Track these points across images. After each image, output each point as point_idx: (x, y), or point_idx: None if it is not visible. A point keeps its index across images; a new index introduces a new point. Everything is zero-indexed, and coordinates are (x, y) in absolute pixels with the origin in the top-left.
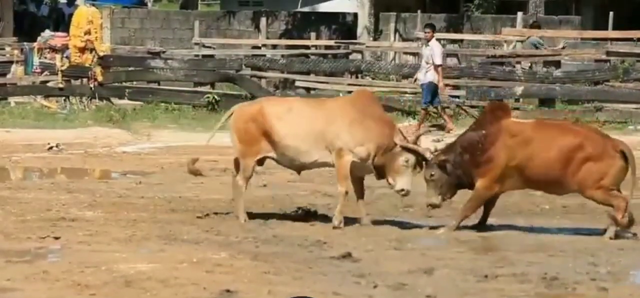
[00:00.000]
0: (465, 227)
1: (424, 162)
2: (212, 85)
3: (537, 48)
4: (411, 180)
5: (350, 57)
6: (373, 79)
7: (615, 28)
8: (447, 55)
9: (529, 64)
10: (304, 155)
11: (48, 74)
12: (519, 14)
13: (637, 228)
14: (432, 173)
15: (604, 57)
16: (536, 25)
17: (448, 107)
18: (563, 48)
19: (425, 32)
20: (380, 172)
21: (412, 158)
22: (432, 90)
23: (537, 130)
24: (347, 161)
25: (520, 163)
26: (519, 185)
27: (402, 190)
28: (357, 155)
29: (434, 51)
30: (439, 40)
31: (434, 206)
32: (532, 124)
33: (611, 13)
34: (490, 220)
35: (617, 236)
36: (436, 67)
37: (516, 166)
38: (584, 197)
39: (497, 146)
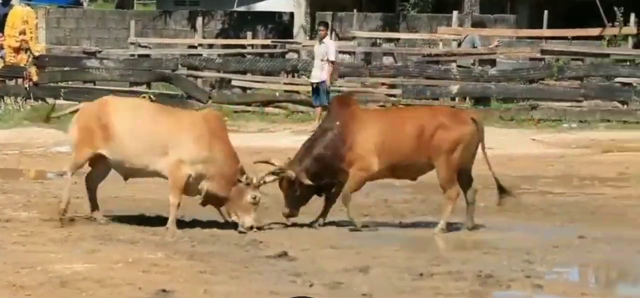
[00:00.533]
0: (403, 226)
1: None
2: (148, 85)
3: (475, 46)
4: (257, 216)
5: (287, 56)
6: (309, 78)
7: (550, 27)
8: (383, 54)
9: (472, 61)
10: (136, 158)
11: None
12: (455, 13)
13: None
14: (293, 189)
15: (538, 55)
16: (480, 23)
17: (384, 106)
18: (497, 46)
19: (320, 30)
20: (221, 203)
21: (258, 195)
22: (327, 90)
23: (388, 110)
24: (185, 175)
25: (380, 141)
26: (385, 167)
27: (251, 228)
28: (195, 172)
29: (329, 48)
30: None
31: (292, 216)
32: (381, 109)
33: (546, 12)
34: (427, 218)
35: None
36: (331, 63)
37: (378, 144)
38: (435, 166)
39: (355, 131)
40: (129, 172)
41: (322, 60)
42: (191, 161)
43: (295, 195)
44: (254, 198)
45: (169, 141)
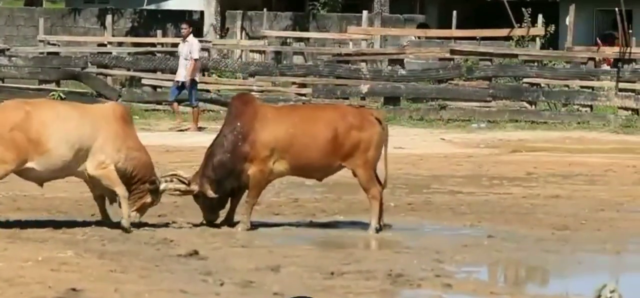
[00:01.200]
0: (312, 225)
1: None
2: (58, 83)
3: None
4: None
5: None
6: (219, 76)
7: (458, 27)
8: (294, 53)
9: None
10: (63, 164)
11: None
12: (365, 13)
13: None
14: (206, 200)
15: (448, 55)
16: (424, 25)
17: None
18: (405, 46)
19: (183, 28)
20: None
21: (158, 199)
22: (195, 87)
23: (294, 109)
24: (112, 169)
25: (285, 139)
26: (288, 166)
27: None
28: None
29: (192, 46)
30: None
31: (213, 221)
32: (286, 106)
33: (454, 12)
34: (337, 218)
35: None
36: (194, 60)
37: (283, 143)
38: (352, 172)
39: (257, 128)
40: (51, 178)
41: (186, 58)
42: (113, 161)
43: (210, 203)
44: (152, 202)
45: (92, 142)
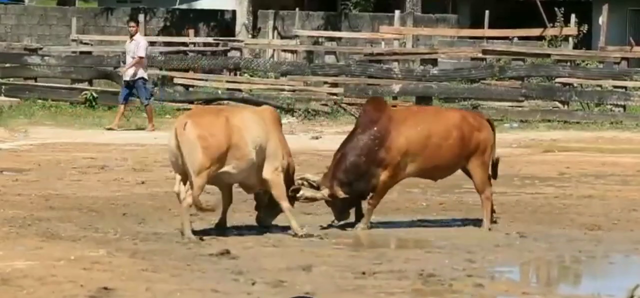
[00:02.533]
0: (345, 224)
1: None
2: (90, 82)
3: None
4: None
5: (229, 54)
6: (251, 76)
7: (491, 27)
8: (326, 53)
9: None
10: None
11: None
12: (397, 12)
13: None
14: (337, 201)
15: (480, 55)
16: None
17: (326, 105)
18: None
19: (130, 27)
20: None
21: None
22: (145, 85)
23: (421, 112)
24: (282, 177)
25: (419, 144)
26: (417, 169)
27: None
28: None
29: (139, 45)
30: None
31: (344, 220)
32: (411, 108)
33: (487, 12)
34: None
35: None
36: (139, 58)
37: (416, 147)
38: (469, 171)
39: (393, 135)
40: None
41: (132, 57)
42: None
43: (341, 204)
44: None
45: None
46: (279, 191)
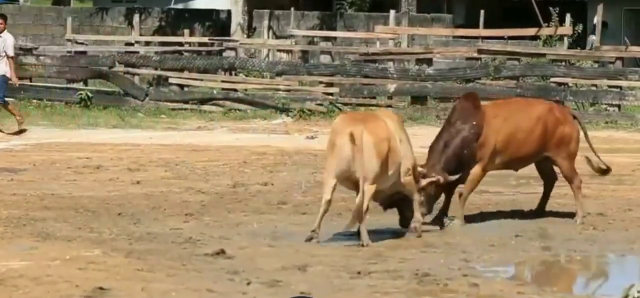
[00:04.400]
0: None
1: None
2: (85, 82)
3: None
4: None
5: (224, 54)
6: (246, 76)
7: (486, 26)
8: (321, 53)
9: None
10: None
11: None
12: (392, 12)
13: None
14: (426, 194)
15: (475, 55)
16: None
17: (322, 104)
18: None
19: None
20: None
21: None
22: (5, 83)
23: (508, 105)
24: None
25: (507, 138)
26: (503, 161)
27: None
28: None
29: (7, 42)
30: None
31: (429, 213)
32: (499, 103)
33: (482, 11)
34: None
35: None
36: (9, 58)
37: (504, 142)
38: (555, 161)
39: (486, 130)
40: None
41: (0, 55)
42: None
43: (428, 197)
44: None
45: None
46: (412, 187)
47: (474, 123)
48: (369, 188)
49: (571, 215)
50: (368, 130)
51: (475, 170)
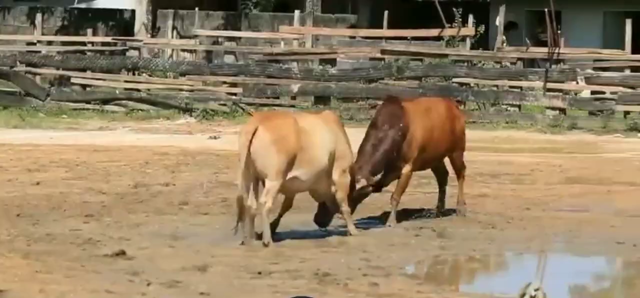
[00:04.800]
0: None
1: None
2: None
3: None
4: None
5: (128, 54)
6: (150, 75)
7: (390, 27)
8: (225, 53)
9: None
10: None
11: None
12: (296, 12)
13: None
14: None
15: (378, 55)
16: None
17: (225, 104)
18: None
19: None
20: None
21: None
22: None
23: (421, 104)
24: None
25: (429, 137)
26: (421, 161)
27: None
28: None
29: None
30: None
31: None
32: (416, 101)
33: (386, 12)
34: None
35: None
36: None
37: (427, 140)
38: (452, 156)
39: (412, 129)
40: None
41: None
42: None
43: (356, 198)
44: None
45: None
46: (343, 192)
47: (401, 125)
48: (272, 186)
49: (470, 213)
50: (268, 128)
51: (406, 170)
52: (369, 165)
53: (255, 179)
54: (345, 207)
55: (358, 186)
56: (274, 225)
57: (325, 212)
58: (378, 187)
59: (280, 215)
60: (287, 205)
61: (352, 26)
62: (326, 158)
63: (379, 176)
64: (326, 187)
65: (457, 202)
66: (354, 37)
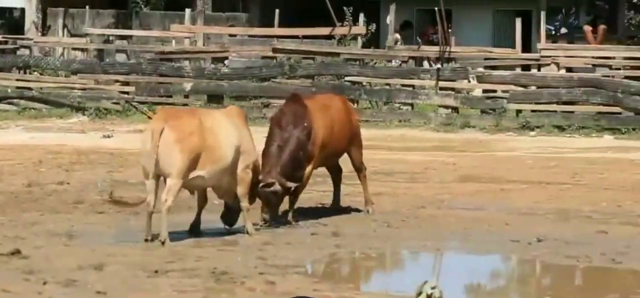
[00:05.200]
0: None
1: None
2: None
3: None
4: None
5: (18, 52)
6: (41, 74)
7: (281, 25)
8: (117, 51)
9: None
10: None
11: None
12: (187, 11)
13: None
14: (274, 196)
15: (270, 54)
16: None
17: (118, 103)
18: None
19: None
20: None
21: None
22: None
23: (318, 100)
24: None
25: (330, 134)
26: (323, 158)
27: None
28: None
29: None
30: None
31: (277, 216)
32: (315, 99)
33: (277, 11)
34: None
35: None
36: None
37: (328, 137)
38: (350, 152)
39: (314, 127)
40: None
41: None
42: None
43: (277, 200)
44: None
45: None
46: (245, 187)
47: (305, 124)
48: (173, 185)
49: (365, 212)
50: (172, 127)
51: (309, 169)
52: (277, 167)
53: (157, 177)
54: (245, 203)
55: (271, 189)
56: (195, 224)
57: (232, 211)
58: (287, 190)
59: (200, 213)
60: (202, 202)
61: (245, 25)
62: (231, 156)
63: (293, 185)
64: (230, 183)
65: (366, 202)
66: (245, 36)
